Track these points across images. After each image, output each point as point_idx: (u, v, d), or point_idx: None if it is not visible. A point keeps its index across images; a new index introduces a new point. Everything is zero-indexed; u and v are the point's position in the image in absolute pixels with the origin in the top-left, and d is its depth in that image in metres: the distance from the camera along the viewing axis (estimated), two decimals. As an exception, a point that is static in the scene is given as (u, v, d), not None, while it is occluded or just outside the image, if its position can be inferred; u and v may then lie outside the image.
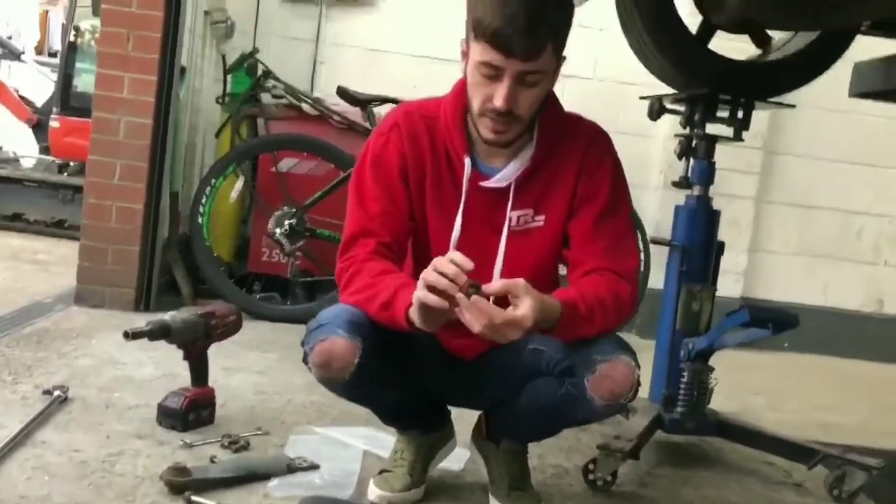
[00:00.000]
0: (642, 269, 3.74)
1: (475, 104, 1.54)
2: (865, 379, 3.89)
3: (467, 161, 1.61)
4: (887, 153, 4.31)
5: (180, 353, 2.05)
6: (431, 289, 1.36)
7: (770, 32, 2.38)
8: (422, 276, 1.38)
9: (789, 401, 3.22)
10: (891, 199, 4.35)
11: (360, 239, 1.59)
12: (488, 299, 1.39)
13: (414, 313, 1.42)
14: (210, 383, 2.11)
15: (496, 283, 1.42)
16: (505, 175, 1.62)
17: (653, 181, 4.09)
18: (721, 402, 2.71)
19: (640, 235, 3.72)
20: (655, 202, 4.06)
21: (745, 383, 3.40)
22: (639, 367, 1.53)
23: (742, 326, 2.09)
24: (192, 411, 1.99)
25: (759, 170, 4.24)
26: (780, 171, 4.30)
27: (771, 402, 3.18)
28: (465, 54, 1.55)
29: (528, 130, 1.62)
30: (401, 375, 1.65)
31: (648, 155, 4.10)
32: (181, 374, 2.14)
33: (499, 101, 1.48)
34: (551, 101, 1.64)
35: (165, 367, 2.45)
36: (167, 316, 1.97)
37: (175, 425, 1.97)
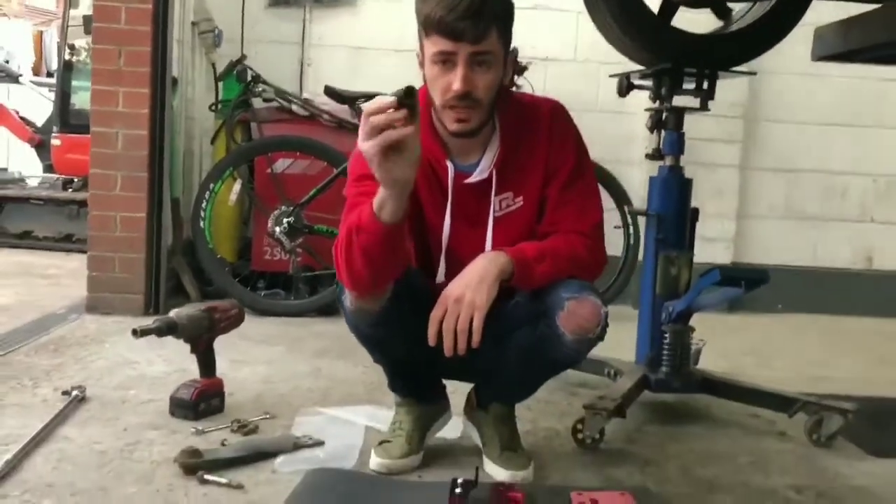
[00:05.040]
0: (632, 241, 3.86)
1: (437, 98, 1.66)
2: (857, 334, 3.99)
3: (450, 165, 1.74)
4: (865, 113, 4.40)
5: (188, 349, 2.18)
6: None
7: (730, 4, 2.49)
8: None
9: (779, 358, 3.33)
10: (872, 157, 4.44)
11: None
12: None
13: (376, 200, 1.50)
14: (219, 376, 2.24)
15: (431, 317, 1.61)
16: (483, 167, 1.75)
17: (636, 156, 4.18)
18: (712, 362, 2.85)
19: (627, 208, 3.83)
20: (641, 176, 4.16)
21: (736, 345, 3.52)
22: (605, 305, 1.67)
23: (716, 286, 2.20)
24: (202, 401, 2.12)
25: (742, 138, 4.34)
26: (762, 138, 4.40)
27: (761, 360, 3.29)
28: (422, 61, 1.68)
29: (491, 122, 1.74)
30: (417, 327, 1.69)
31: (631, 131, 4.21)
32: (190, 368, 2.27)
33: (457, 84, 1.61)
34: (506, 93, 1.77)
35: (176, 364, 2.58)
36: (172, 313, 2.11)
37: (187, 415, 2.10)
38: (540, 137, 1.77)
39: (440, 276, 1.76)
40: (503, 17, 1.64)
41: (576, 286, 1.66)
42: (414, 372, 1.91)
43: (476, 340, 1.57)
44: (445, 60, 1.61)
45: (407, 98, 1.42)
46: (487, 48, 1.61)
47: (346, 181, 1.77)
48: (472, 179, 1.75)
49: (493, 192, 1.75)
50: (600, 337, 1.67)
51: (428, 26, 1.61)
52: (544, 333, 1.67)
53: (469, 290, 1.59)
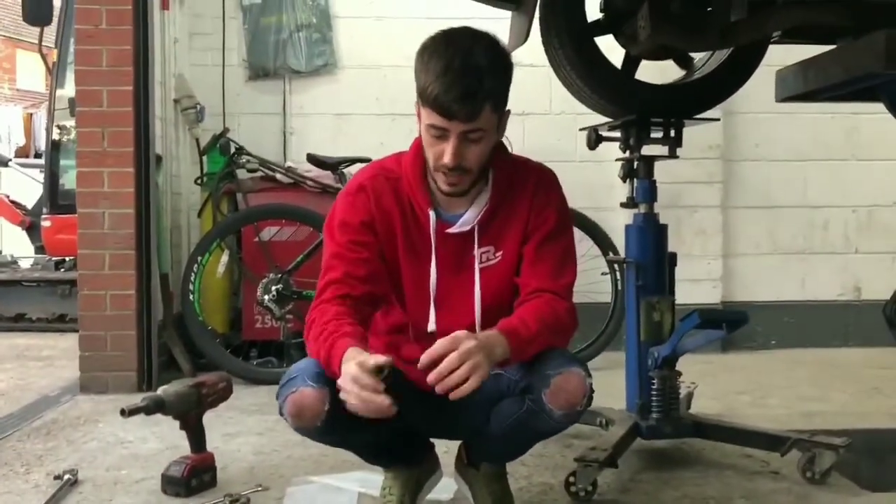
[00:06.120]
0: (619, 287, 3.88)
1: (430, 161, 1.71)
2: (850, 366, 4.00)
3: (432, 214, 1.77)
4: (838, 147, 4.48)
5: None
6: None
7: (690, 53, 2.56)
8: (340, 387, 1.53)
9: (774, 395, 3.34)
10: (849, 189, 4.50)
11: (326, 291, 1.73)
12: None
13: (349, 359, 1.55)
14: (211, 449, 2.24)
15: (437, 346, 1.55)
16: (467, 220, 1.79)
17: (618, 202, 4.23)
18: (706, 404, 2.86)
19: (611, 254, 3.86)
20: (624, 221, 4.21)
21: (730, 384, 3.52)
22: (590, 376, 1.68)
23: (697, 329, 2.22)
24: (193, 477, 2.12)
25: (722, 178, 4.40)
26: (742, 177, 4.47)
27: (755, 398, 3.29)
28: (419, 112, 1.72)
29: (483, 177, 1.78)
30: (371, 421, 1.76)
31: (611, 178, 4.22)
32: (183, 444, 2.27)
33: (447, 159, 1.65)
34: (500, 149, 1.81)
35: (169, 441, 2.58)
36: (160, 390, 2.12)
37: (179, 492, 2.10)
38: (523, 199, 1.80)
39: (431, 324, 1.78)
40: (498, 93, 1.66)
41: (559, 360, 1.68)
42: (387, 448, 1.91)
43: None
44: (439, 136, 1.65)
45: (385, 377, 1.50)
46: (479, 125, 1.65)
47: (327, 221, 1.80)
48: (454, 230, 1.78)
49: (475, 246, 1.78)
50: (587, 406, 1.69)
51: (424, 99, 1.64)
52: (531, 409, 1.69)
53: (483, 357, 1.54)
